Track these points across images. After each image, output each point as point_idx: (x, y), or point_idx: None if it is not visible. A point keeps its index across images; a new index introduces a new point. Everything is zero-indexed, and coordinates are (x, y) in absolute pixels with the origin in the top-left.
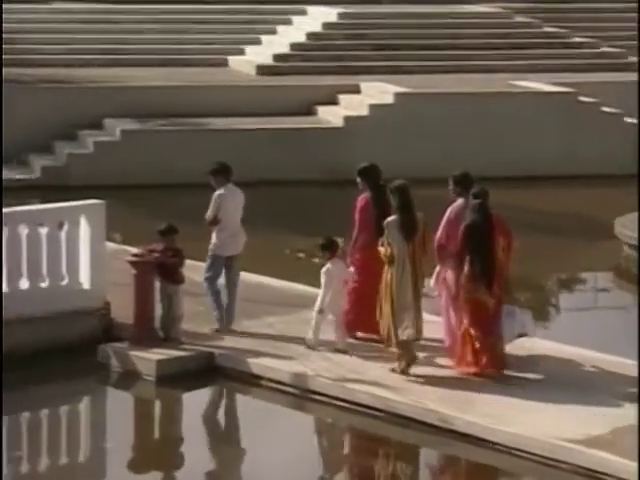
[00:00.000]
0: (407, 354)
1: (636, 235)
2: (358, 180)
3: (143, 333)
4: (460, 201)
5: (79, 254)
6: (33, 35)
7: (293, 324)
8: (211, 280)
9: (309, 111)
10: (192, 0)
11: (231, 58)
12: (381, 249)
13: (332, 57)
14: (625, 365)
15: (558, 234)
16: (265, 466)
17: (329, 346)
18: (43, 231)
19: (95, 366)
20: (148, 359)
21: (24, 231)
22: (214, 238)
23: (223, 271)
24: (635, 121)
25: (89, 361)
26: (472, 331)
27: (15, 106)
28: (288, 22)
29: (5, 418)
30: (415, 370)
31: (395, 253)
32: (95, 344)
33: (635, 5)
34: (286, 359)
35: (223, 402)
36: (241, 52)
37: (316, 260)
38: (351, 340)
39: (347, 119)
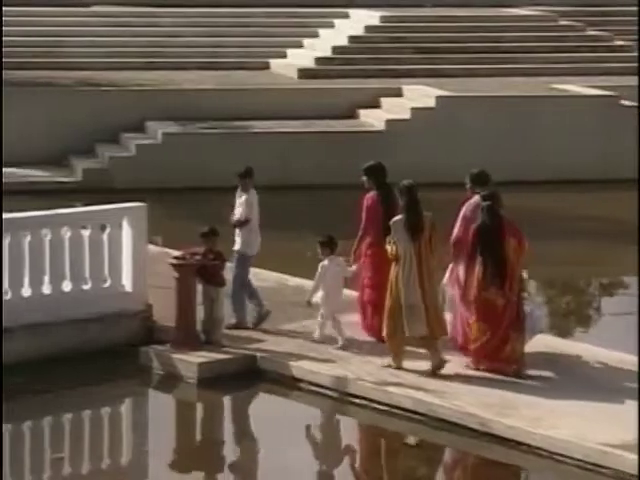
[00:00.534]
0: (433, 356)
1: None
2: (364, 179)
3: (185, 336)
4: (476, 198)
5: (121, 257)
6: (73, 38)
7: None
8: (242, 279)
9: (351, 114)
10: (234, 3)
11: (273, 61)
12: (388, 248)
13: (374, 60)
14: None
15: (599, 238)
16: (305, 469)
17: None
18: (86, 234)
19: (137, 368)
20: (190, 362)
21: (67, 234)
22: (242, 238)
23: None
24: None
25: (131, 363)
26: (481, 329)
27: (57, 109)
28: (330, 25)
29: (47, 419)
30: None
31: (401, 252)
32: (137, 347)
33: None
34: (327, 362)
35: (264, 405)
36: (283, 55)
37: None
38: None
39: (389, 122)
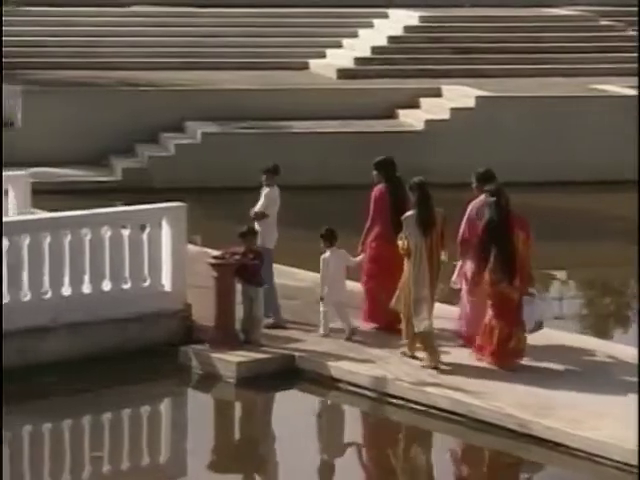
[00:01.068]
0: (429, 351)
1: None
2: (374, 173)
3: (224, 335)
4: (481, 197)
5: (161, 256)
6: (113, 38)
7: (372, 328)
8: (265, 274)
9: (390, 115)
10: (273, 3)
11: (312, 61)
12: (399, 243)
13: (413, 60)
14: None
15: (635, 239)
16: (342, 469)
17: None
18: (125, 233)
19: (176, 368)
20: (228, 361)
21: (107, 233)
22: (260, 231)
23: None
24: None
25: (170, 363)
26: (496, 322)
27: (96, 109)
28: (369, 25)
29: (86, 418)
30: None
31: (412, 247)
32: (176, 346)
33: None
34: (365, 362)
35: (302, 405)
36: (322, 55)
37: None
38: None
39: (428, 122)
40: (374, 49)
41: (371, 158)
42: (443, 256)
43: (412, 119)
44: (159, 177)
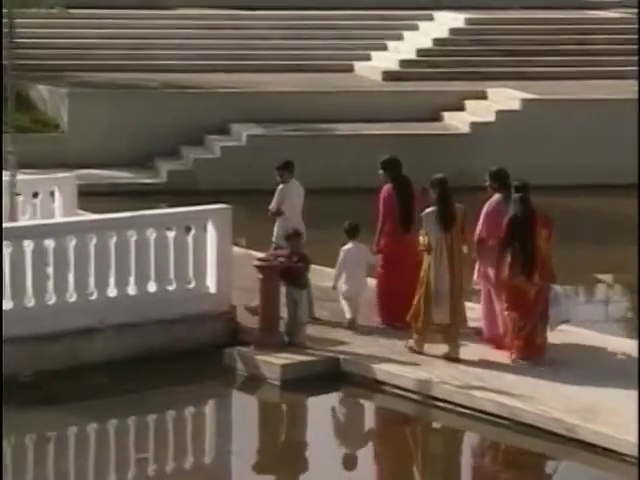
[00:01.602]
0: (449, 342)
1: None
2: (380, 172)
3: (268, 337)
4: (496, 196)
5: (206, 258)
6: (159, 41)
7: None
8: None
9: (435, 117)
10: (319, 6)
11: (357, 64)
12: (420, 239)
13: (458, 63)
14: None
15: None
16: (387, 472)
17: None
18: (170, 235)
19: (221, 369)
20: (273, 363)
21: (152, 235)
22: (278, 229)
23: None
24: None
25: (215, 364)
26: (511, 316)
27: (142, 111)
28: (415, 28)
29: (132, 419)
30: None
31: (433, 243)
32: (221, 348)
33: None
34: (410, 365)
35: (347, 407)
36: (367, 58)
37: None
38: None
39: (473, 125)
40: (419, 51)
41: (416, 160)
42: (465, 250)
43: (457, 122)
44: (204, 179)
